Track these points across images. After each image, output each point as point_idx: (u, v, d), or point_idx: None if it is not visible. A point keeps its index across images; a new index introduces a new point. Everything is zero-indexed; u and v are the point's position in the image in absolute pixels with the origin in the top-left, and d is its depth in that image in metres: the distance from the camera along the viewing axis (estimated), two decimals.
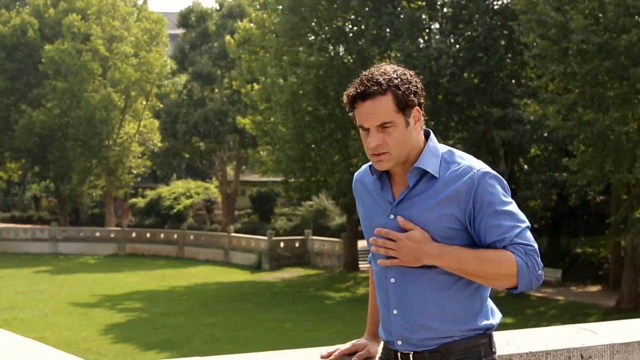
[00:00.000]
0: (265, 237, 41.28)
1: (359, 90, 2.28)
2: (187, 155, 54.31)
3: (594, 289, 31.19)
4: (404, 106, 2.28)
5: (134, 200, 56.52)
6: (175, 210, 50.79)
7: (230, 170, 53.27)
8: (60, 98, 48.60)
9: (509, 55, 30.73)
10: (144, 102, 52.72)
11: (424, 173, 2.32)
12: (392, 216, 2.34)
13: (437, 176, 2.31)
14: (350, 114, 2.36)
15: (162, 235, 48.04)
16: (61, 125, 48.69)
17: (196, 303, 29.24)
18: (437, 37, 31.90)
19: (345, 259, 38.45)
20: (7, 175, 58.26)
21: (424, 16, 31.37)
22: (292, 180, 36.37)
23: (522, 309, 27.40)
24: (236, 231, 45.57)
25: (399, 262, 2.30)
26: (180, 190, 52.37)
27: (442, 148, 2.39)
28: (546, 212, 35.47)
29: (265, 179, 50.27)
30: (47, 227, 51.89)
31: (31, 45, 50.46)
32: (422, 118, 2.35)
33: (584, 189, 28.35)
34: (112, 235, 48.99)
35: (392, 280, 2.36)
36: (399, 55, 29.93)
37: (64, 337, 22.53)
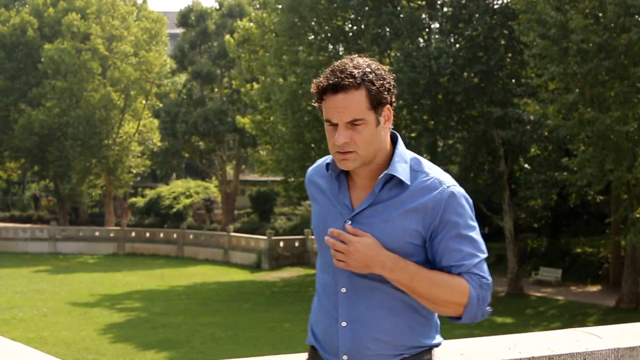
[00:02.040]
0: (264, 237, 41.25)
1: (330, 82, 2.11)
2: (186, 155, 54.26)
3: (594, 288, 31.16)
4: (377, 103, 2.13)
5: (133, 199, 56.49)
6: (174, 210, 50.77)
7: (229, 170, 53.24)
8: (60, 97, 48.57)
9: (509, 54, 30.70)
10: (144, 102, 52.68)
11: (390, 179, 2.18)
12: (349, 222, 2.18)
13: (409, 184, 2.17)
14: (315, 104, 2.19)
15: (161, 235, 47.99)
16: (61, 125, 48.64)
17: (195, 303, 29.20)
18: (437, 36, 31.86)
19: None
20: (6, 175, 58.23)
21: (423, 15, 31.33)
22: (292, 179, 36.32)
23: (521, 309, 27.39)
24: (236, 231, 45.55)
25: (346, 266, 2.14)
26: (180, 190, 52.35)
27: (409, 154, 2.26)
28: (546, 212, 35.46)
29: (264, 178, 50.26)
30: (47, 226, 51.85)
31: (31, 45, 50.44)
32: (392, 118, 2.21)
33: (584, 189, 28.32)
34: (111, 235, 48.94)
35: (343, 290, 2.20)
36: (398, 54, 29.90)
37: (63, 337, 22.48)
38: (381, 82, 2.14)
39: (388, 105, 2.18)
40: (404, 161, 2.21)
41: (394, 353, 2.19)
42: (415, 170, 2.21)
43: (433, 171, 2.22)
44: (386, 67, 2.19)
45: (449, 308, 2.15)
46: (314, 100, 2.18)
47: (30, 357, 2.66)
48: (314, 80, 2.16)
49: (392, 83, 2.18)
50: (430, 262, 2.19)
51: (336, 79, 2.10)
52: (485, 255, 2.20)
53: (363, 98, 2.11)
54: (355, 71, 2.11)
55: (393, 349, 2.18)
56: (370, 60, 2.18)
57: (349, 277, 2.19)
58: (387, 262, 2.12)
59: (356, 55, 2.20)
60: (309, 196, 2.36)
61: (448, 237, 2.16)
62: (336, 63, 2.16)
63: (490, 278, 2.18)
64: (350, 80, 2.10)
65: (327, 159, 2.31)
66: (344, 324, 2.19)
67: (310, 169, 2.38)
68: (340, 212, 2.21)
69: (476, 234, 2.20)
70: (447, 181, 2.19)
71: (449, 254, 2.16)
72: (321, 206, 2.27)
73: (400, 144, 2.26)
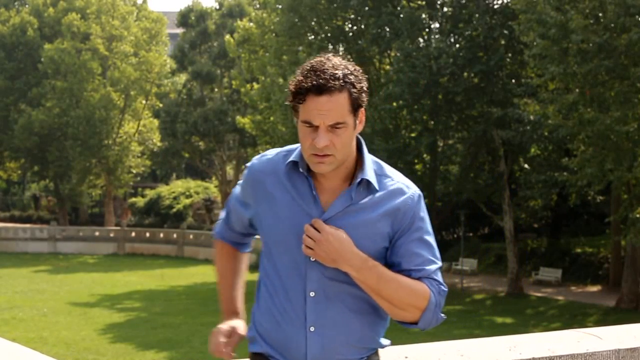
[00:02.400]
0: None
1: (315, 83, 2.03)
2: (186, 155, 54.24)
3: (594, 289, 31.15)
4: (356, 106, 2.09)
5: (133, 199, 56.48)
6: (174, 210, 50.74)
7: (229, 170, 53.23)
8: (60, 97, 48.55)
9: (509, 54, 30.68)
10: (144, 102, 52.66)
11: (360, 182, 2.15)
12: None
13: (377, 189, 2.16)
14: (289, 103, 2.11)
15: (161, 235, 47.97)
16: (61, 125, 48.62)
17: (195, 302, 29.17)
18: (437, 36, 31.84)
19: None
20: (6, 175, 58.23)
21: (423, 15, 31.31)
22: None
23: (521, 309, 27.37)
24: None
25: (313, 254, 2.08)
26: (180, 190, 52.32)
27: (372, 157, 2.22)
28: (546, 212, 35.45)
29: None
30: (47, 226, 51.84)
31: (30, 45, 50.43)
32: (364, 120, 2.18)
33: (584, 189, 28.31)
34: (111, 235, 48.92)
35: (312, 294, 2.13)
36: (398, 54, 29.88)
37: (62, 337, 22.46)
38: (361, 84, 2.10)
39: (362, 109, 2.15)
40: (371, 165, 2.19)
41: (359, 357, 2.18)
42: (379, 174, 2.19)
43: (396, 175, 2.21)
44: (359, 68, 2.14)
45: (408, 312, 2.14)
46: (288, 99, 2.11)
47: (28, 357, 2.65)
48: (294, 80, 2.09)
49: (366, 85, 2.14)
50: (387, 265, 2.17)
51: (321, 80, 2.04)
52: (441, 263, 2.22)
53: (346, 101, 2.06)
54: (338, 72, 2.06)
55: (358, 352, 2.17)
56: (345, 61, 2.13)
57: (318, 280, 2.13)
58: (356, 260, 2.09)
59: (331, 54, 2.13)
60: (253, 192, 2.24)
61: (410, 241, 2.16)
62: (313, 62, 2.08)
63: (446, 286, 2.20)
64: (335, 82, 2.04)
65: (281, 154, 2.24)
66: (312, 329, 2.13)
67: (257, 163, 2.26)
68: (308, 213, 2.14)
69: (434, 241, 2.21)
70: (412, 185, 2.21)
71: (410, 257, 2.15)
72: (283, 205, 2.17)
73: (364, 146, 2.21)
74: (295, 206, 2.15)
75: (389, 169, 2.22)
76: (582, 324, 24.22)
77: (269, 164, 2.23)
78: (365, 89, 2.12)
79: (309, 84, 2.04)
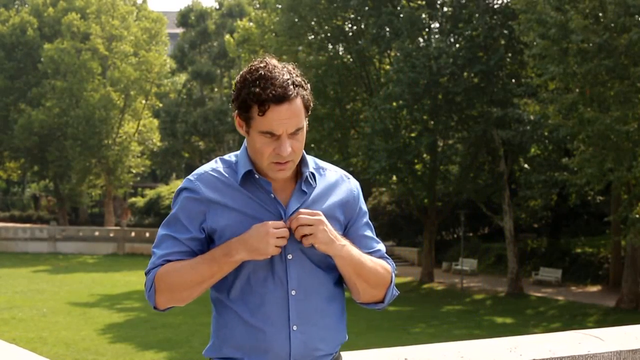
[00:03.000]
0: None
1: (275, 93, 2.00)
2: (186, 155, 54.25)
3: (594, 289, 31.14)
4: (307, 108, 2.09)
5: (133, 199, 56.46)
6: None
7: None
8: (60, 97, 48.52)
9: (509, 54, 30.67)
10: (144, 102, 52.63)
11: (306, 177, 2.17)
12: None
13: (323, 180, 2.19)
14: (236, 116, 2.08)
15: None
16: (60, 125, 48.60)
17: (195, 302, 28.82)
18: (437, 36, 31.84)
19: None
20: (6, 175, 58.21)
21: (423, 15, 31.31)
22: None
23: (521, 309, 27.35)
24: None
25: (313, 239, 2.05)
26: None
27: None
28: (546, 212, 35.44)
29: None
30: (46, 226, 51.83)
31: (30, 45, 50.41)
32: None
33: (584, 189, 28.32)
34: (111, 235, 48.90)
35: (293, 292, 2.10)
36: (398, 54, 29.87)
37: (62, 337, 22.45)
38: (306, 84, 2.09)
39: None
40: (310, 159, 2.22)
41: (333, 352, 2.18)
42: (318, 167, 2.22)
43: (330, 165, 2.26)
44: (294, 65, 2.13)
45: (378, 290, 2.19)
46: (235, 112, 2.08)
47: (24, 359, 2.63)
48: (250, 93, 2.02)
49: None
50: None
51: (280, 90, 2.01)
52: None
53: (301, 105, 2.06)
54: (288, 78, 2.04)
55: (333, 348, 2.18)
56: (280, 62, 2.10)
57: (298, 277, 2.11)
58: (341, 239, 2.12)
59: (266, 57, 2.10)
60: (201, 207, 2.13)
61: (360, 225, 2.23)
62: (260, 71, 2.04)
63: None
64: (293, 89, 2.03)
65: (221, 167, 2.20)
66: (294, 327, 2.10)
67: (197, 179, 2.16)
68: (273, 215, 2.12)
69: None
70: (347, 173, 2.27)
71: (362, 239, 2.21)
72: (247, 214, 2.12)
73: None
74: (263, 211, 2.12)
75: (320, 161, 2.25)
76: (582, 324, 24.20)
77: (216, 181, 2.16)
78: (307, 84, 2.11)
79: (269, 94, 2.01)
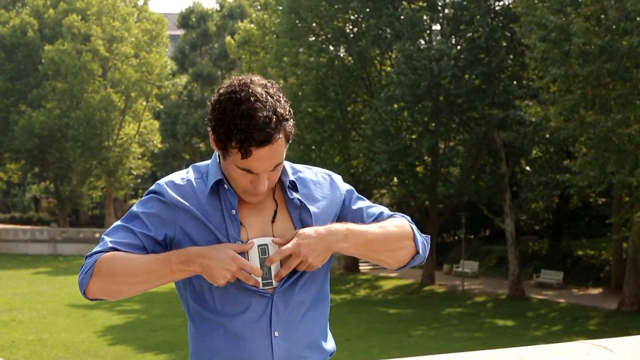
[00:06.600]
0: None
1: (257, 138, 1.90)
2: (187, 156, 54.16)
3: (596, 291, 31.06)
4: (289, 139, 1.99)
5: (133, 201, 56.41)
6: None
7: None
8: (60, 99, 48.48)
9: (511, 56, 30.62)
10: (144, 103, 52.58)
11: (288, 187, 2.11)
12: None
13: (305, 184, 2.14)
14: (213, 136, 2.00)
15: None
16: (61, 126, 48.56)
17: None
18: (438, 38, 31.78)
19: (345, 261, 38.33)
20: (6, 176, 58.15)
21: (424, 17, 31.24)
22: None
23: (523, 312, 27.28)
24: None
25: (309, 267, 1.98)
26: None
27: None
28: (547, 214, 35.38)
29: None
30: (47, 228, 51.75)
31: (31, 46, 50.36)
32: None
33: (585, 191, 28.25)
34: None
35: (275, 298, 2.02)
36: (399, 56, 29.81)
37: (62, 339, 22.39)
38: (289, 112, 1.98)
39: None
40: (287, 165, 2.17)
41: (322, 358, 2.09)
42: (295, 170, 2.18)
43: (306, 167, 2.21)
44: (276, 85, 2.01)
45: (405, 248, 2.12)
46: (218, 145, 1.99)
47: None
48: (228, 131, 1.94)
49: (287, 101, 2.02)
50: None
51: (263, 134, 1.91)
52: None
53: (283, 142, 1.96)
54: (271, 113, 1.92)
55: (321, 355, 2.08)
56: (265, 80, 2.00)
57: (282, 283, 2.03)
58: (342, 230, 2.03)
59: (245, 76, 2.00)
60: (167, 211, 2.06)
61: (352, 203, 2.17)
62: (242, 105, 1.92)
63: None
64: (276, 128, 1.92)
65: (192, 176, 2.11)
66: (276, 333, 2.01)
67: (167, 184, 2.09)
68: (231, 233, 2.03)
69: None
70: (327, 171, 2.24)
71: (362, 213, 2.15)
72: (210, 224, 2.04)
73: None
74: (223, 226, 2.04)
75: (295, 165, 2.20)
76: (584, 327, 24.14)
77: (185, 187, 2.09)
78: (289, 109, 1.99)
79: (252, 141, 1.91)
